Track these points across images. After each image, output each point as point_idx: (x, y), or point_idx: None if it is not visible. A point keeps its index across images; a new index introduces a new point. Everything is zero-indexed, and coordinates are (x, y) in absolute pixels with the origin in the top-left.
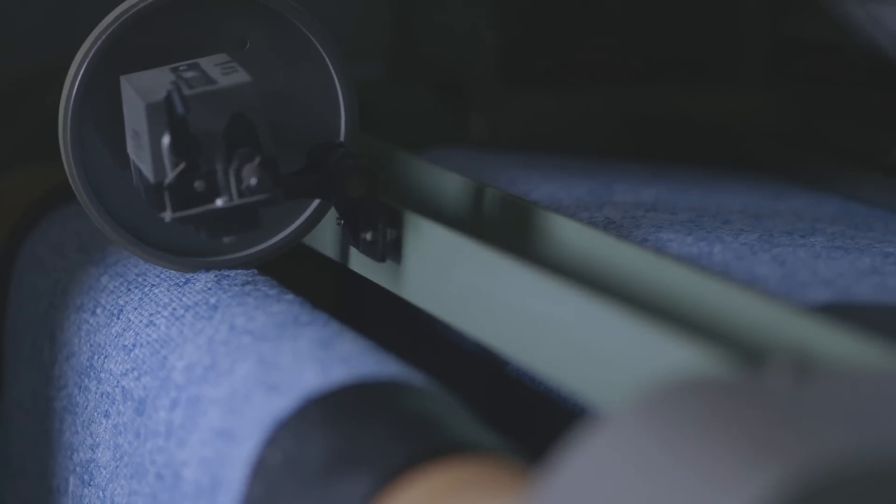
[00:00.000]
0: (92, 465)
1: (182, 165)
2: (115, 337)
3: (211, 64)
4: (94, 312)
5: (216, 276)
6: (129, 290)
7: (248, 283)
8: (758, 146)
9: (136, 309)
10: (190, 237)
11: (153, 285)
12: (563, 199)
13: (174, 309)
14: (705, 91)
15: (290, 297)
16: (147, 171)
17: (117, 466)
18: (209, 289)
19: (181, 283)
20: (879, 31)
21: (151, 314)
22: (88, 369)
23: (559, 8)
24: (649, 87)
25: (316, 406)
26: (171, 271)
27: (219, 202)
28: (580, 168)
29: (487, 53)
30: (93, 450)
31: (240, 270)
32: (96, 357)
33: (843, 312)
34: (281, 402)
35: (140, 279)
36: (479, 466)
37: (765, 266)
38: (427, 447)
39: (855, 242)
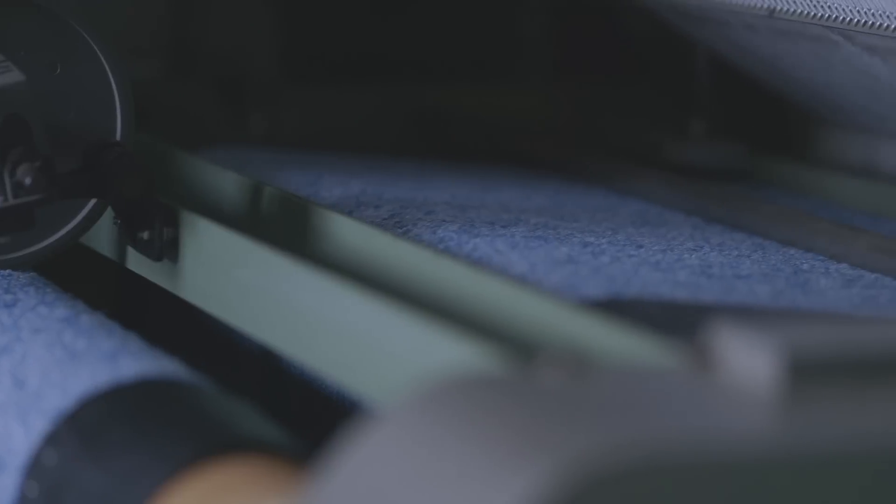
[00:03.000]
0: None
1: None
2: None
3: None
4: None
5: None
6: None
7: None
8: (534, 143)
9: None
10: None
11: None
12: None
13: None
14: (485, 88)
15: None
16: None
17: None
18: None
19: None
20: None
21: None
22: None
23: (340, 4)
24: (431, 84)
25: (31, 474)
26: None
27: None
28: (294, 162)
29: (267, 50)
30: None
31: None
32: None
33: (619, 308)
34: (6, 481)
35: None
36: (253, 465)
37: (460, 257)
38: (192, 450)
39: (556, 232)
